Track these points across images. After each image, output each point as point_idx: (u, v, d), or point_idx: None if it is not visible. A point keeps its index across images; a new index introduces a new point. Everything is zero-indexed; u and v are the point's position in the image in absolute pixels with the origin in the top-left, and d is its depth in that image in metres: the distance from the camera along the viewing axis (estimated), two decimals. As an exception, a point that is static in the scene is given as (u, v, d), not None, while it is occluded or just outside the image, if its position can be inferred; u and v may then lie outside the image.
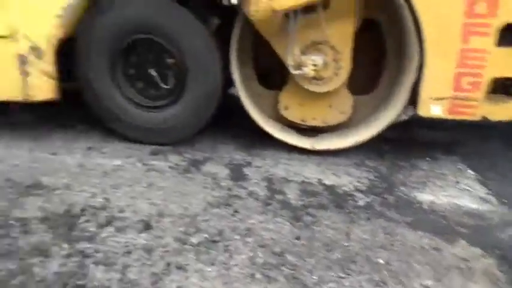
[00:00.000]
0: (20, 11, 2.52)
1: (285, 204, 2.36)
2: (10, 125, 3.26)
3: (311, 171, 2.77)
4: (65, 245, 1.93)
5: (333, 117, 3.00)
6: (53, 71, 2.66)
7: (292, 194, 2.47)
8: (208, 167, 2.76)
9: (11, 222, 2.10)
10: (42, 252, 1.87)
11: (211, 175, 2.66)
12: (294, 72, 2.71)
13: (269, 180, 2.62)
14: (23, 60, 2.61)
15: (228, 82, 2.89)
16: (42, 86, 2.69)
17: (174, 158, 2.86)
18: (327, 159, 2.94)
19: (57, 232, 2.03)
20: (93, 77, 2.79)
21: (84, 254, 1.87)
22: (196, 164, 2.79)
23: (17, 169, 2.63)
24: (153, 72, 2.85)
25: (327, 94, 2.88)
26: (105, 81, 2.81)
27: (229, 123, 3.42)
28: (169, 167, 2.73)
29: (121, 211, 2.22)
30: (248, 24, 2.60)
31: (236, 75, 2.80)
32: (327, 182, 2.64)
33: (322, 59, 2.68)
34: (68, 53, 2.74)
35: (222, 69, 2.76)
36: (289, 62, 2.69)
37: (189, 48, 2.67)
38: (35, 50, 2.58)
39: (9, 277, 1.72)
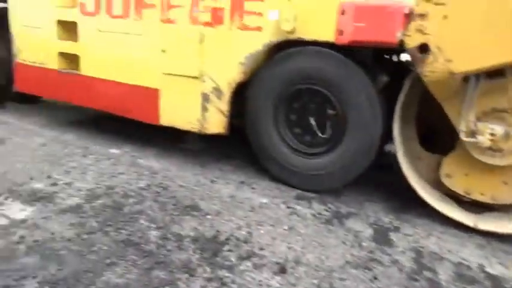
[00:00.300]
0: (210, 57, 2.97)
1: (434, 285, 2.08)
2: (185, 150, 3.77)
3: (471, 253, 2.40)
4: (208, 269, 2.08)
5: (508, 195, 2.56)
6: (227, 109, 3.01)
7: (444, 275, 2.17)
8: (352, 223, 2.66)
9: (169, 236, 2.38)
10: (189, 270, 2.05)
11: (353, 232, 2.55)
12: (465, 139, 2.45)
13: (418, 252, 2.36)
14: (205, 98, 3.03)
15: (386, 138, 2.79)
16: (216, 121, 3.06)
17: (317, 207, 2.85)
18: (491, 243, 2.51)
19: (203, 255, 2.20)
20: (259, 118, 3.04)
21: (222, 282, 1.98)
22: (339, 217, 2.72)
23: (182, 189, 3.00)
24: (312, 121, 2.95)
25: (503, 168, 2.50)
26: (267, 123, 3.03)
27: (381, 181, 3.26)
28: (312, 215, 2.73)
29: (261, 248, 2.30)
30: (418, 83, 2.49)
31: (396, 133, 2.68)
32: (490, 271, 2.24)
33: (503, 129, 2.36)
34: (240, 94, 3.07)
35: (382, 126, 2.69)
36: (462, 127, 2.44)
37: (352, 102, 2.69)
38: (217, 90, 2.98)
39: (159, 285, 1.93)
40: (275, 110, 3.00)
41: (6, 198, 2.74)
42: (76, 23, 3.50)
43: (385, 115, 2.70)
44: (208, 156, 3.65)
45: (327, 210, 2.80)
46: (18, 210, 2.59)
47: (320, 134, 2.94)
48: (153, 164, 3.44)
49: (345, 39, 2.51)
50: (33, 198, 2.76)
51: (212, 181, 3.17)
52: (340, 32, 2.52)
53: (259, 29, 2.76)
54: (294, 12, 2.61)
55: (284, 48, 2.83)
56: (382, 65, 2.96)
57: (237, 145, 3.79)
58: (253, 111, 3.06)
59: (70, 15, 3.54)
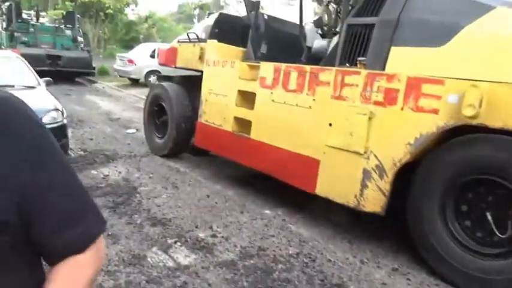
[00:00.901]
0: (377, 135, 2.94)
1: None
2: (335, 222, 3.70)
3: None
4: None
5: None
6: (388, 189, 2.88)
7: None
8: None
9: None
10: None
11: None
12: None
13: None
14: (366, 175, 2.98)
15: None
16: (375, 200, 2.95)
17: (489, 319, 2.40)
18: None
19: None
20: (423, 203, 2.82)
21: None
22: None
23: (330, 264, 2.92)
24: (488, 216, 2.59)
25: None
26: (432, 210, 2.78)
27: None
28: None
29: None
30: None
31: None
32: None
33: None
34: (401, 175, 2.91)
35: None
36: None
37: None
38: (379, 168, 2.90)
39: None
40: (443, 197, 2.75)
41: (175, 242, 3.09)
42: (255, 93, 3.94)
43: None
44: (358, 233, 3.50)
45: (502, 328, 2.34)
46: (183, 256, 2.89)
47: (498, 233, 2.55)
48: (302, 231, 3.47)
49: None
50: (197, 246, 3.05)
51: (362, 261, 3.00)
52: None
53: (435, 111, 2.63)
54: (479, 97, 2.42)
55: (461, 133, 2.63)
56: None
57: (390, 226, 3.55)
58: (418, 195, 2.86)
59: (250, 87, 4.01)
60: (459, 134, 2.66)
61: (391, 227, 3.49)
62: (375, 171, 2.94)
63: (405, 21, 2.98)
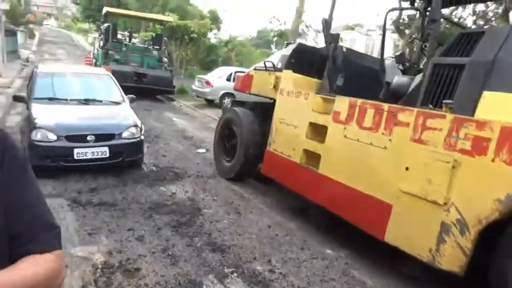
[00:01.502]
0: (462, 187, 2.65)
1: None
2: (403, 276, 3.37)
3: None
4: None
5: None
6: (469, 248, 2.57)
7: None
8: None
9: None
10: None
11: None
12: None
13: None
14: (445, 229, 2.69)
15: None
16: (452, 258, 2.65)
17: None
18: None
19: None
20: (510, 266, 2.47)
21: None
22: None
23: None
24: None
25: None
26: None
27: None
28: None
29: None
30: None
31: None
32: None
33: None
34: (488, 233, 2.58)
35: None
36: None
37: None
38: (461, 224, 2.61)
39: None
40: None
41: (232, 273, 3.03)
42: (326, 127, 3.83)
43: None
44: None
45: None
46: (239, 289, 2.82)
47: None
48: (366, 279, 3.22)
49: None
50: (253, 280, 2.96)
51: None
52: None
53: (533, 167, 2.32)
54: None
55: None
56: None
57: (468, 286, 3.16)
58: (505, 258, 2.51)
59: (322, 120, 3.91)
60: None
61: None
62: (455, 226, 2.64)
63: (501, 64, 2.71)
